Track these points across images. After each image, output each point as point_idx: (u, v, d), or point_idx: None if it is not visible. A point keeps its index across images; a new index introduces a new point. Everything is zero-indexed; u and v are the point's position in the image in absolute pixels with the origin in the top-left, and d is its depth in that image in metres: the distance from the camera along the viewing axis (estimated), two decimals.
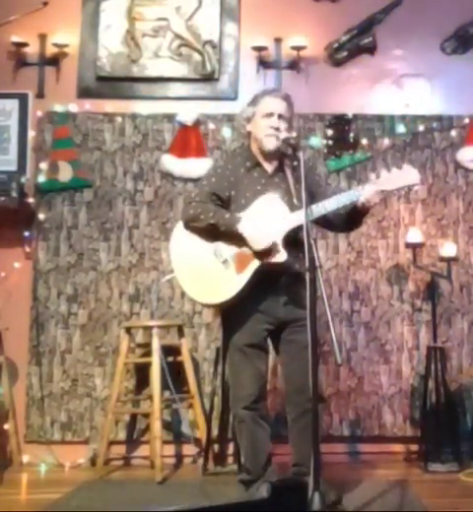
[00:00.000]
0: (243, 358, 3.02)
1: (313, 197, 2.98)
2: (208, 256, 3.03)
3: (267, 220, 2.97)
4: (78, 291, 4.24)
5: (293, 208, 2.97)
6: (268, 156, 3.11)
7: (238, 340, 3.03)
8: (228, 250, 3.01)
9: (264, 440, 3.03)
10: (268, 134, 3.05)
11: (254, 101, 3.15)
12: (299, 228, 2.84)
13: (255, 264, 2.96)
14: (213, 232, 3.01)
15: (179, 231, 3.15)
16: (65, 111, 4.35)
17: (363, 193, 2.97)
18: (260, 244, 2.93)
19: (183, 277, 3.10)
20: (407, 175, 3.00)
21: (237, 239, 2.97)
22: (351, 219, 3.11)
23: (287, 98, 3.12)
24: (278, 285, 3.01)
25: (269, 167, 3.13)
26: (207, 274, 3.02)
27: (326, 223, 3.16)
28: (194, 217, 3.05)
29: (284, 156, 3.07)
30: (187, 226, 3.10)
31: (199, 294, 3.08)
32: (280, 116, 3.06)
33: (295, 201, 2.96)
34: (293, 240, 2.93)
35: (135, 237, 4.28)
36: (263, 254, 2.95)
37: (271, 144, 3.05)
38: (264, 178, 3.11)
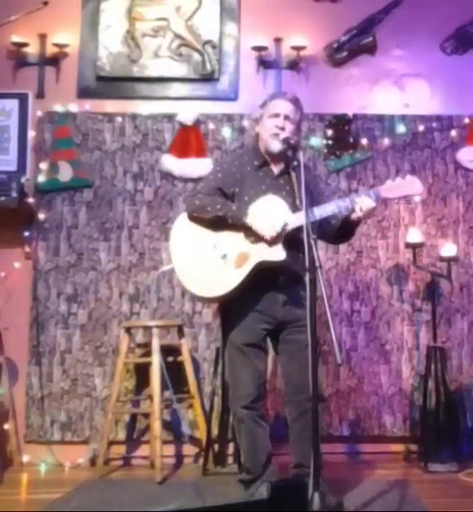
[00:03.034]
0: (242, 358, 3.02)
1: (316, 203, 2.99)
2: (207, 249, 3.04)
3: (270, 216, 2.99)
4: (78, 291, 4.24)
5: (295, 210, 2.98)
6: (274, 157, 3.12)
7: (237, 339, 3.03)
8: (228, 245, 3.02)
9: (264, 440, 3.04)
10: (273, 133, 3.06)
11: (263, 104, 3.18)
12: (299, 229, 2.84)
13: (254, 260, 2.97)
14: (218, 224, 3.02)
15: (181, 224, 3.16)
16: (65, 111, 4.35)
17: (359, 201, 2.95)
18: (273, 231, 2.93)
19: (181, 268, 3.10)
20: (410, 186, 3.02)
21: (244, 231, 2.99)
22: (343, 229, 3.11)
23: (295, 101, 3.14)
24: (277, 284, 3.01)
25: (275, 169, 3.14)
26: (205, 267, 3.02)
27: (319, 231, 3.14)
28: (201, 207, 3.06)
29: (288, 158, 3.07)
30: (192, 217, 3.11)
31: (196, 287, 3.07)
32: (286, 117, 3.08)
33: (297, 203, 2.96)
34: (292, 240, 2.93)
35: (135, 237, 4.28)
36: (274, 240, 2.94)
37: (275, 146, 3.06)
38: (269, 178, 3.12)
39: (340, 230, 3.13)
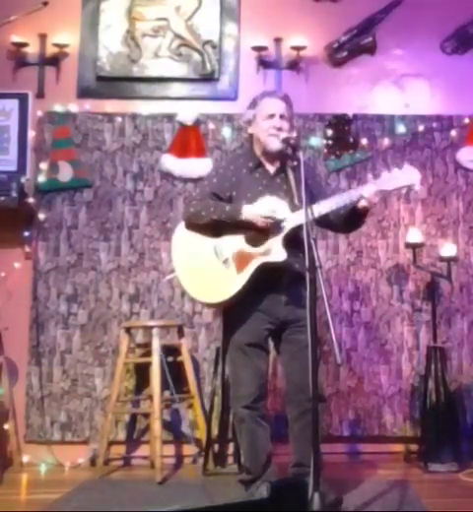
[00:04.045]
0: (244, 358, 3.02)
1: (314, 198, 2.98)
2: (209, 255, 3.04)
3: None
4: (78, 291, 4.24)
5: (293, 209, 2.97)
6: (270, 157, 3.12)
7: (239, 339, 3.03)
8: (228, 250, 3.02)
9: (264, 440, 3.04)
10: (271, 134, 3.06)
11: (254, 104, 3.16)
12: (299, 228, 2.84)
13: (256, 263, 2.97)
14: (216, 227, 3.03)
15: (181, 231, 3.16)
16: (65, 111, 4.35)
17: (363, 193, 2.97)
18: (267, 220, 2.94)
19: (184, 276, 3.11)
20: (407, 175, 3.00)
21: (242, 229, 2.99)
22: (351, 219, 3.12)
23: (286, 99, 3.14)
24: (279, 284, 3.01)
25: (271, 168, 3.13)
26: (208, 273, 3.03)
27: (327, 223, 3.17)
28: (196, 214, 3.07)
29: (286, 156, 3.07)
30: (189, 225, 3.12)
31: (200, 293, 3.09)
32: (281, 116, 3.08)
33: (296, 201, 2.96)
34: (293, 240, 2.93)
35: (135, 237, 4.28)
36: (272, 229, 2.94)
37: (274, 144, 3.06)
38: (266, 179, 3.11)
39: (349, 219, 3.12)
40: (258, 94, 3.23)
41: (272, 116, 3.07)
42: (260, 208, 2.98)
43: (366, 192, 2.96)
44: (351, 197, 3.00)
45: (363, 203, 2.98)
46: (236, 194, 3.09)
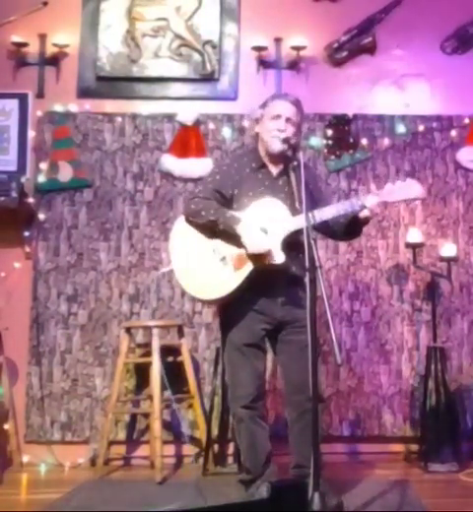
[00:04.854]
0: (241, 358, 3.03)
1: (315, 203, 2.99)
2: (207, 252, 3.04)
3: (267, 223, 2.98)
4: (78, 291, 4.24)
5: (294, 212, 2.97)
6: (274, 158, 3.12)
7: (236, 339, 3.04)
8: (226, 247, 3.02)
9: (263, 440, 3.04)
10: (273, 135, 3.06)
11: (264, 104, 3.17)
12: (298, 232, 2.84)
13: (253, 264, 2.97)
14: (212, 229, 3.02)
15: (180, 225, 3.16)
16: (65, 111, 4.35)
17: (365, 203, 2.97)
18: (256, 248, 2.94)
19: (181, 270, 3.10)
20: (410, 189, 3.01)
21: (235, 239, 2.98)
22: (351, 227, 3.11)
23: (296, 103, 3.12)
24: (276, 285, 3.01)
25: (274, 170, 3.13)
26: (205, 269, 3.02)
27: (326, 229, 3.16)
28: (195, 212, 3.06)
29: (288, 159, 3.07)
30: (188, 220, 3.12)
31: (195, 289, 3.08)
32: (287, 119, 3.07)
33: (297, 205, 2.96)
34: (292, 243, 2.93)
35: (135, 237, 4.28)
36: (257, 257, 2.95)
37: (276, 145, 3.05)
38: (268, 180, 3.11)
39: (349, 227, 3.12)
40: (270, 95, 3.24)
41: (278, 117, 3.07)
42: (257, 231, 2.96)
43: (368, 202, 2.97)
44: (353, 206, 3.00)
45: (365, 212, 2.99)
46: (238, 192, 3.09)
